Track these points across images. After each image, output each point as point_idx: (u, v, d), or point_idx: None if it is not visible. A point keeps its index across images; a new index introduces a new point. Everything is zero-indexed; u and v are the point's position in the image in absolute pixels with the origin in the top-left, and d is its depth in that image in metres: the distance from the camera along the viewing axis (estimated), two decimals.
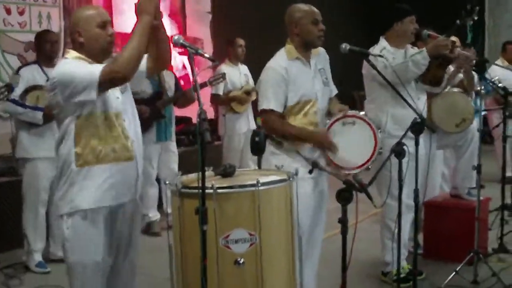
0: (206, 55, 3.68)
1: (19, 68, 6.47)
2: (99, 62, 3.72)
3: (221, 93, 8.40)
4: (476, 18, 5.32)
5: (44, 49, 6.42)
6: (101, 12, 3.84)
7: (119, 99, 3.85)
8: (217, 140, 9.16)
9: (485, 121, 9.79)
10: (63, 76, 3.62)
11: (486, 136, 10.26)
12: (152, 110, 7.17)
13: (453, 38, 5.70)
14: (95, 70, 3.58)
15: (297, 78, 4.58)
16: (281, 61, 4.62)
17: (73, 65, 3.67)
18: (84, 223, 3.73)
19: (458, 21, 5.30)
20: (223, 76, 7.92)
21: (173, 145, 7.72)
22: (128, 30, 7.83)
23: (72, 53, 3.80)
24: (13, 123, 6.45)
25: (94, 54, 3.75)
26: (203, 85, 7.72)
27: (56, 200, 3.85)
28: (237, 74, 8.49)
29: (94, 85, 3.55)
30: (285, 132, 4.54)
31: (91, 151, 3.71)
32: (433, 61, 5.31)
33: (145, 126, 7.00)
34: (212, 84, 7.95)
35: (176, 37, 3.68)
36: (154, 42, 3.89)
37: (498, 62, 10.00)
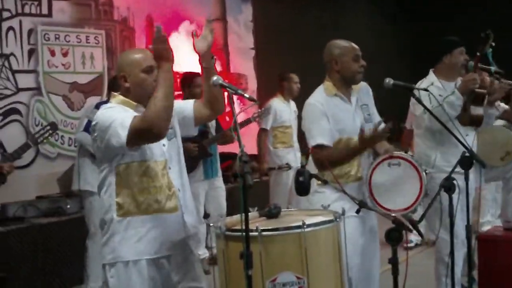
0: (246, 95, 3.57)
1: None
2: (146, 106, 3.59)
3: (268, 127, 8.39)
4: (493, 44, 5.20)
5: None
6: (148, 56, 3.67)
7: (165, 147, 3.73)
8: (265, 176, 9.04)
9: None
10: (103, 121, 3.55)
11: None
12: (199, 148, 7.13)
13: (497, 69, 5.53)
14: (127, 122, 3.48)
15: (336, 114, 4.48)
16: (319, 97, 4.53)
17: (113, 111, 3.59)
18: (126, 272, 3.63)
19: (477, 53, 5.20)
20: (266, 110, 7.87)
21: (219, 181, 7.65)
22: (183, 68, 7.94)
23: (117, 98, 3.72)
24: (77, 156, 6.54)
25: (140, 99, 3.65)
26: (247, 121, 7.71)
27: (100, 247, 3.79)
28: (287, 111, 8.44)
29: (123, 139, 3.46)
30: (341, 157, 4.40)
31: (132, 202, 3.62)
32: (468, 99, 5.17)
33: (193, 164, 6.98)
34: (256, 120, 7.92)
35: (215, 78, 3.62)
36: (206, 87, 3.81)
37: None
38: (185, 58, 9.13)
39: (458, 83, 5.36)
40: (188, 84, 7.20)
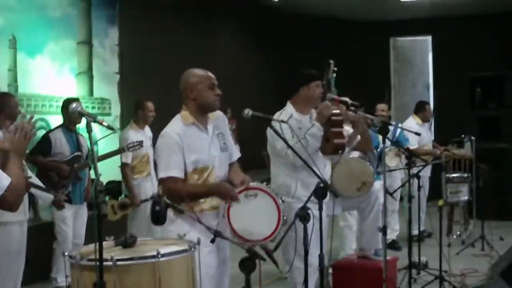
0: (105, 123, 3.59)
1: None
2: None
3: (129, 161, 8.23)
4: (335, 69, 5.52)
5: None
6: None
7: None
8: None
9: None
10: None
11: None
12: (70, 171, 7.06)
13: (346, 99, 5.75)
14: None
15: (192, 144, 4.48)
16: (175, 127, 4.52)
17: None
18: None
19: (323, 81, 5.49)
20: (140, 143, 7.80)
21: (84, 208, 7.58)
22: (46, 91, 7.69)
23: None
24: None
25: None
26: (122, 150, 7.70)
27: None
28: (143, 138, 8.29)
29: None
30: (187, 193, 4.39)
31: None
32: (328, 129, 5.33)
33: (61, 186, 6.93)
34: (130, 150, 7.82)
35: (74, 106, 3.59)
36: None
37: (411, 120, 9.86)
38: (49, 81, 9.05)
39: (313, 116, 5.50)
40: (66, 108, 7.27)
